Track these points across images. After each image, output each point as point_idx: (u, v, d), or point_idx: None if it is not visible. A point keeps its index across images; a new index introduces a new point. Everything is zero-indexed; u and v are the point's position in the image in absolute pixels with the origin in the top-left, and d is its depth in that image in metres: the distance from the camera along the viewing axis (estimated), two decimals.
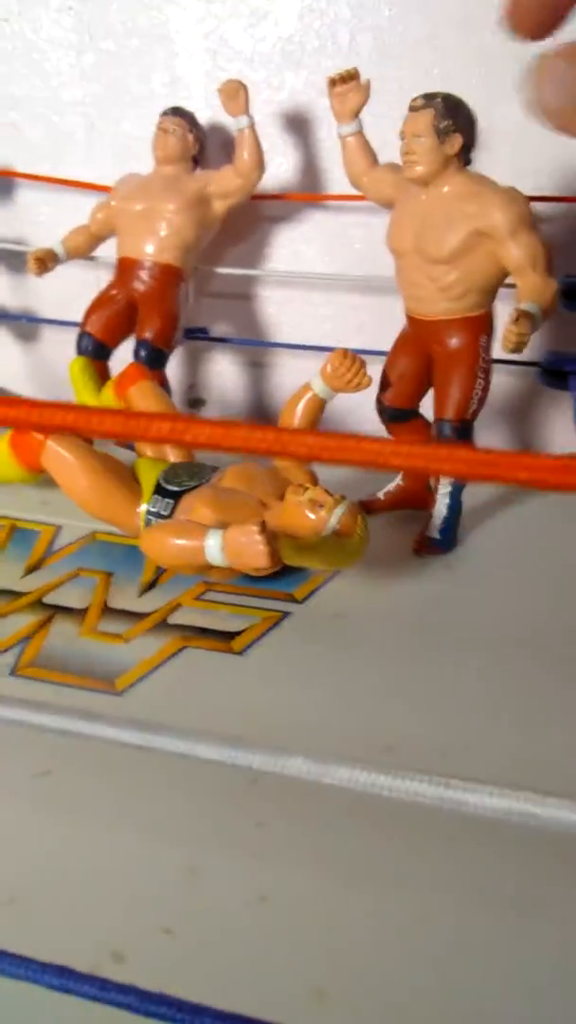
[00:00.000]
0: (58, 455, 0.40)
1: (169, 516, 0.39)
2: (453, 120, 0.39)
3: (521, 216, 0.39)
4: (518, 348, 0.36)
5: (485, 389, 0.42)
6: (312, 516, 0.36)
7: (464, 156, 0.40)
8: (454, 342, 0.41)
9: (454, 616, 0.36)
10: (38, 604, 0.37)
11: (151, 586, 0.38)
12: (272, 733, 0.29)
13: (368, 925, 0.22)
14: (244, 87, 0.48)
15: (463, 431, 0.42)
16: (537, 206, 0.42)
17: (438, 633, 0.35)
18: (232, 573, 0.36)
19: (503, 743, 0.28)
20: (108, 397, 0.45)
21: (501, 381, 0.57)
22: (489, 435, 0.59)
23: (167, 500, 0.39)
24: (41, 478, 0.43)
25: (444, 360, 0.42)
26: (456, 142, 0.39)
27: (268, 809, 0.26)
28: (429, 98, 0.39)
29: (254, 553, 0.33)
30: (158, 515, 0.39)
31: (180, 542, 0.35)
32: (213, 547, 0.34)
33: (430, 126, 0.39)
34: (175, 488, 0.39)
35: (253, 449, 0.11)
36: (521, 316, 0.36)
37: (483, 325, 0.41)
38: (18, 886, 0.23)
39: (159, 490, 0.39)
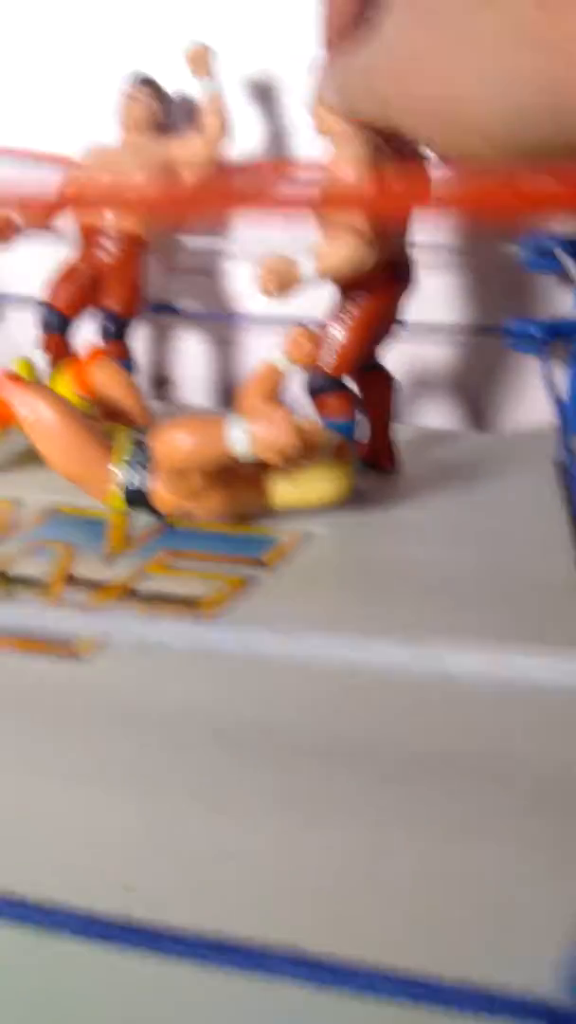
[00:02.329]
0: (34, 405, 0.39)
1: (147, 461, 0.38)
2: None
3: None
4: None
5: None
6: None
7: None
8: None
9: (431, 582, 0.35)
10: None
11: (115, 557, 0.37)
12: (238, 691, 0.28)
13: (336, 868, 0.20)
14: (210, 50, 0.47)
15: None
16: None
17: (413, 598, 0.34)
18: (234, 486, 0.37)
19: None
20: (63, 385, 0.44)
21: (455, 352, 0.57)
22: (444, 411, 0.59)
23: (142, 446, 0.39)
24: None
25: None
26: None
27: (233, 762, 0.24)
28: None
29: (279, 419, 0.34)
30: (136, 463, 0.38)
31: (199, 432, 0.35)
32: (234, 425, 0.34)
33: None
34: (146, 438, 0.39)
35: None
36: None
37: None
38: None
39: (131, 442, 0.39)
